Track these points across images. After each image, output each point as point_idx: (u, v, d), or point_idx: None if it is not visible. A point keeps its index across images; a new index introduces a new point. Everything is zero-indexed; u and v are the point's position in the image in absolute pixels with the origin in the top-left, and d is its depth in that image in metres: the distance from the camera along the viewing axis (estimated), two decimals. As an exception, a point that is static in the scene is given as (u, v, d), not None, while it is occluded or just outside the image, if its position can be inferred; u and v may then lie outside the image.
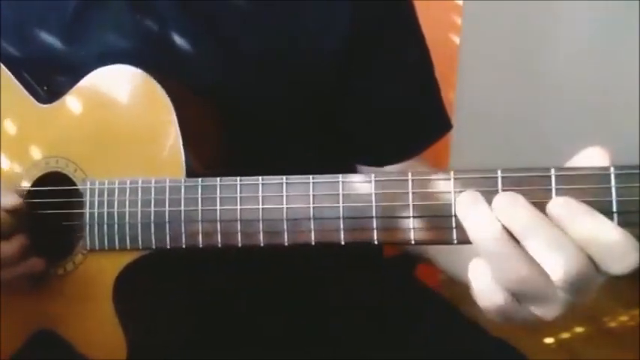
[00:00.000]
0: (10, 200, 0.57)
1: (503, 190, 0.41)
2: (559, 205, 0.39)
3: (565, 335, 1.70)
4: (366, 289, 0.71)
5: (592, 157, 0.39)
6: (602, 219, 0.38)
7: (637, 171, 0.38)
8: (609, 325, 1.76)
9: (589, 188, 0.39)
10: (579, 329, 1.72)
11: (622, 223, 0.38)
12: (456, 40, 1.31)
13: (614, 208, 0.38)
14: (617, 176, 0.38)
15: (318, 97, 0.66)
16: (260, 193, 0.48)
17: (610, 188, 0.38)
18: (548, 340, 1.66)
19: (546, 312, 0.41)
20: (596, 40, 1.86)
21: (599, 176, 0.39)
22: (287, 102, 0.65)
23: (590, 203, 0.39)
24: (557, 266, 0.38)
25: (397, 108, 0.69)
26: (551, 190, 0.40)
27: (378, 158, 0.69)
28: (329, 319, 0.69)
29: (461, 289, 0.56)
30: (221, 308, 0.65)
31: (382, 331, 0.67)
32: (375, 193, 0.45)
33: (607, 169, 0.39)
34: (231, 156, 0.59)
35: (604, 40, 1.86)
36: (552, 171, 0.40)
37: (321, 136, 0.69)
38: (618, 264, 0.37)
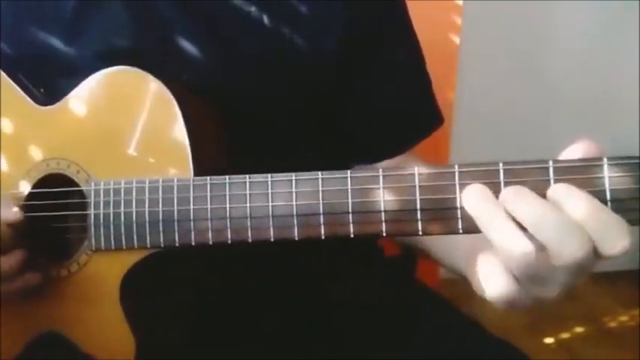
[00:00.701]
0: (11, 214, 0.56)
1: (505, 182, 0.43)
2: (560, 188, 0.41)
3: (565, 335, 1.70)
4: (367, 289, 0.71)
5: (580, 150, 0.42)
6: (599, 202, 0.40)
7: (628, 161, 0.41)
8: (609, 325, 1.76)
9: (584, 178, 0.41)
10: (579, 329, 1.72)
11: (615, 211, 0.40)
12: (456, 40, 1.31)
13: (608, 197, 0.41)
14: (609, 167, 0.41)
15: (318, 97, 0.66)
16: (269, 190, 0.49)
17: (603, 178, 0.41)
18: (548, 340, 1.66)
19: (547, 293, 0.43)
20: (596, 40, 1.86)
21: (593, 167, 0.41)
22: (286, 102, 0.65)
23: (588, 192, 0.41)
24: (570, 251, 0.39)
25: (393, 104, 0.69)
26: (549, 180, 0.42)
27: (372, 155, 0.70)
28: (330, 319, 0.69)
29: (461, 289, 0.56)
30: (225, 306, 0.65)
31: (382, 331, 0.67)
32: (383, 188, 0.46)
33: (600, 160, 0.41)
34: (232, 156, 0.59)
35: (604, 39, 1.86)
36: (550, 163, 0.42)
37: (320, 136, 0.69)
38: (614, 244, 0.39)
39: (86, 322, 0.59)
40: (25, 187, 0.61)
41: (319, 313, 0.69)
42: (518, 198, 0.41)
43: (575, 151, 0.42)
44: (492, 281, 0.42)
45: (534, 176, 0.42)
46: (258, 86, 0.63)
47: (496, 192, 0.42)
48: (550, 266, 0.40)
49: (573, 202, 0.40)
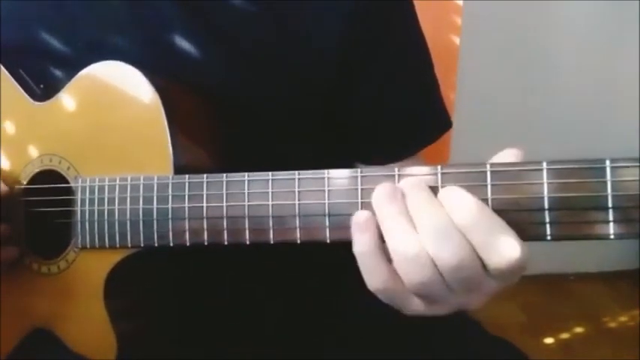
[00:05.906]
0: None
1: (492, 185, 0.40)
2: (447, 192, 0.40)
3: (565, 335, 1.70)
4: (366, 289, 0.70)
5: (512, 156, 0.41)
6: (487, 210, 0.39)
7: (634, 164, 0.37)
8: (609, 325, 1.76)
9: (583, 182, 0.38)
10: (579, 329, 1.72)
11: (618, 219, 0.37)
12: (456, 40, 1.31)
13: (610, 204, 0.37)
14: (613, 169, 0.37)
15: (320, 96, 0.65)
16: (246, 190, 0.48)
17: (606, 182, 0.37)
18: (548, 340, 1.66)
19: (435, 309, 0.43)
20: (596, 40, 1.86)
21: (594, 170, 0.38)
22: (287, 101, 0.64)
23: (585, 198, 0.38)
24: (443, 253, 0.39)
25: (398, 107, 0.68)
26: (543, 184, 0.39)
27: (378, 157, 0.69)
28: (327, 319, 0.69)
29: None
30: (210, 306, 0.65)
31: (382, 332, 0.66)
32: (362, 189, 0.44)
33: (602, 161, 0.37)
34: (230, 155, 0.58)
35: (604, 40, 1.86)
36: (544, 164, 0.39)
37: (321, 135, 0.69)
38: (499, 256, 0.38)
39: (73, 320, 0.59)
40: (22, 183, 0.62)
41: (317, 314, 0.69)
42: (408, 194, 0.41)
43: (506, 157, 0.41)
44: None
45: (526, 179, 0.39)
46: (258, 86, 0.63)
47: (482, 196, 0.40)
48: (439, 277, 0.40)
49: (458, 207, 0.39)
